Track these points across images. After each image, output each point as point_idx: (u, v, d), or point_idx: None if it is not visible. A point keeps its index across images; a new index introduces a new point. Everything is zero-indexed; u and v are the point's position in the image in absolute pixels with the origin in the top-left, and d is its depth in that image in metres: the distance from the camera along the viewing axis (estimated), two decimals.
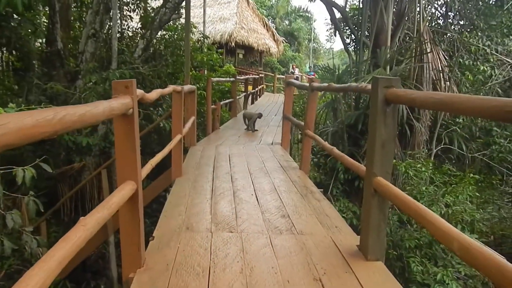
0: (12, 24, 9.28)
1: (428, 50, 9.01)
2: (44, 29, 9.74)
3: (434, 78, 9.28)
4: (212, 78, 8.40)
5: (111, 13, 8.91)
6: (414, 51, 9.11)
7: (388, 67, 8.57)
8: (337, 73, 9.15)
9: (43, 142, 8.62)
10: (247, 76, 13.72)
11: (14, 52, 10.72)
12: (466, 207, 6.10)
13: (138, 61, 9.56)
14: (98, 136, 8.05)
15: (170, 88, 3.68)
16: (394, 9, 9.20)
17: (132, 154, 2.13)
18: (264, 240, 2.53)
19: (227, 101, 10.43)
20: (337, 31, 11.33)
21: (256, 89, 16.26)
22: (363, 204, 2.40)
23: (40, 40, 10.46)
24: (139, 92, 2.32)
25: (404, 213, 5.06)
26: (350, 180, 8.85)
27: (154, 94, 2.79)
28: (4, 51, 10.35)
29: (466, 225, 6.12)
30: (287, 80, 5.85)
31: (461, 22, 10.87)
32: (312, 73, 25.16)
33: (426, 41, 9.09)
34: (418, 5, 9.31)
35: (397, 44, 9.47)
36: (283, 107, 10.16)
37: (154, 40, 10.44)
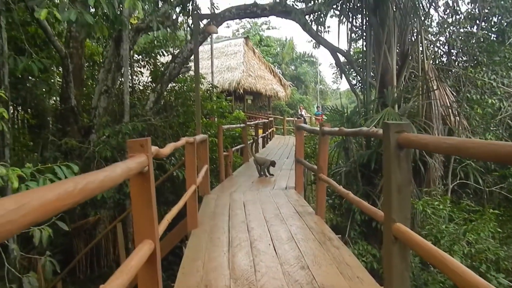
0: (28, 85, 9.68)
1: (435, 87, 9.11)
2: (58, 87, 10.14)
3: (443, 114, 9.31)
4: (222, 126, 8.52)
5: (122, 70, 9.26)
6: (420, 89, 9.21)
7: (396, 106, 8.64)
8: (346, 114, 9.24)
9: None
10: (256, 121, 13.90)
11: (29, 111, 11.12)
12: (489, 245, 5.90)
13: (150, 113, 9.81)
14: (113, 188, 8.11)
15: (183, 140, 3.75)
16: (397, 50, 9.40)
17: (149, 211, 2.14)
18: None
19: (238, 146, 10.53)
20: (342, 74, 11.56)
21: (267, 132, 16.43)
22: (383, 253, 2.35)
23: (54, 98, 10.86)
24: (154, 149, 2.37)
25: (428, 262, 4.91)
26: (367, 221, 8.68)
27: (168, 149, 2.85)
28: (20, 110, 10.72)
29: (491, 264, 5.90)
30: (297, 125, 5.92)
31: (465, 58, 11.02)
32: (320, 113, 25.27)
33: (431, 79, 9.21)
34: (421, 45, 9.52)
35: (403, 83, 9.59)
36: (294, 149, 10.21)
37: (165, 93, 10.76)
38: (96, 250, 9.09)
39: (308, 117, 25.55)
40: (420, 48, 9.55)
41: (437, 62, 11.11)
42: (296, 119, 19.49)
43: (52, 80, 11.95)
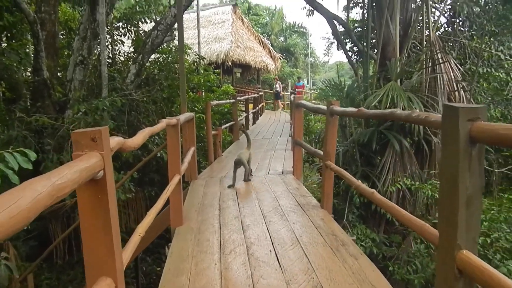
0: None
1: (440, 60, 8.42)
2: (31, 58, 9.18)
3: (448, 89, 8.67)
4: (211, 102, 7.74)
5: (99, 39, 8.34)
6: (424, 62, 8.50)
7: (398, 81, 7.95)
8: (345, 88, 8.54)
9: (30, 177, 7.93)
10: (247, 96, 13.11)
11: (1, 83, 10.16)
12: (506, 234, 5.38)
13: (131, 86, 8.96)
14: None
15: (163, 123, 3.01)
16: (400, 18, 8.63)
17: (106, 237, 1.44)
18: None
19: (228, 124, 9.78)
20: (338, 45, 10.76)
21: (257, 108, 15.66)
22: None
23: (30, 70, 9.90)
24: (116, 141, 1.65)
25: None
26: (366, 204, 8.16)
27: (140, 137, 2.12)
28: None
29: (505, 254, 5.39)
30: (296, 102, 5.21)
31: (471, 28, 10.29)
32: (301, 83, 23.99)
33: (437, 51, 8.50)
34: (426, 12, 8.74)
35: (405, 55, 8.87)
36: (288, 127, 9.39)
37: (147, 64, 9.86)
38: (74, 233, 8.46)
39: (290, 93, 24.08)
40: (425, 16, 8.78)
41: (441, 32, 10.36)
42: (293, 95, 18.72)
43: (25, 49, 10.93)
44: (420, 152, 8.18)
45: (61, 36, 11.43)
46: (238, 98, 10.93)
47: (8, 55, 8.99)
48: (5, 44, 9.49)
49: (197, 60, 11.90)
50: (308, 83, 35.91)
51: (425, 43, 8.78)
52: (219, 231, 3.37)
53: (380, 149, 8.08)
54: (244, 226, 3.47)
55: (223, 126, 8.87)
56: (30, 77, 9.87)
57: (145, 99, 8.59)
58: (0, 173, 2.92)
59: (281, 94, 22.99)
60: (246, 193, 4.70)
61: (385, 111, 2.38)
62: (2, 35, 10.83)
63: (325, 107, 3.76)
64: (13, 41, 11.00)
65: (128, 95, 8.23)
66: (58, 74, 9.41)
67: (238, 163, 5.14)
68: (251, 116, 13.80)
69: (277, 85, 22.35)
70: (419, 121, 1.89)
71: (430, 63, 8.42)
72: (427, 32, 8.84)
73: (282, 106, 22.97)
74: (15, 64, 9.29)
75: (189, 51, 11.99)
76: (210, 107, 7.15)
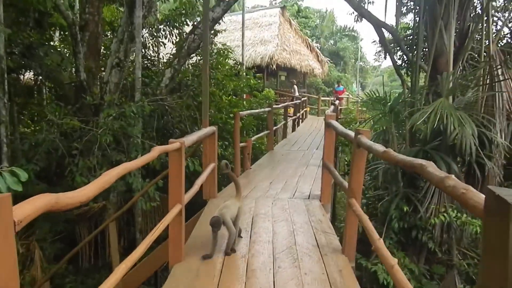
0: (41, 53, 8.86)
1: (500, 76, 7.52)
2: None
3: (508, 108, 7.74)
4: (241, 112, 7.35)
5: (135, 41, 8.21)
6: (482, 77, 7.61)
7: (450, 97, 7.16)
8: (388, 102, 7.83)
9: (60, 181, 7.92)
10: (285, 104, 12.60)
11: (47, 82, 10.37)
12: None
13: (165, 91, 8.77)
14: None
15: (155, 151, 2.60)
16: (456, 28, 7.80)
17: None
18: None
19: (261, 134, 9.34)
20: (387, 54, 10.02)
21: (298, 114, 15.09)
22: None
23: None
24: (29, 207, 1.24)
25: None
26: (406, 230, 7.46)
27: (95, 186, 1.71)
28: (40, 79, 9.99)
29: None
30: (327, 121, 4.69)
31: None
32: (342, 88, 22.41)
33: (497, 65, 7.60)
34: (486, 22, 7.84)
35: (460, 68, 8.00)
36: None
37: (183, 68, 9.65)
38: (101, 238, 8.41)
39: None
40: (485, 26, 7.87)
41: (503, 43, 9.32)
42: (333, 99, 17.86)
43: (67, 50, 11.11)
44: (472, 176, 7.35)
45: (107, 37, 11.53)
46: (274, 106, 10.44)
47: (51, 55, 9.10)
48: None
49: (237, 65, 11.57)
50: (356, 88, 34.69)
51: (484, 55, 7.88)
52: (218, 275, 2.96)
53: None
54: (248, 271, 3.03)
55: (254, 137, 8.44)
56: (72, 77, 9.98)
57: (175, 105, 8.36)
58: None
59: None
60: (263, 220, 4.25)
61: (415, 161, 1.85)
62: (54, 35, 11.06)
63: (352, 134, 3.24)
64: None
65: (159, 100, 8.03)
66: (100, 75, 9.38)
67: (216, 225, 3.33)
68: (290, 122, 13.30)
69: (293, 89, 20.36)
70: (453, 194, 1.36)
71: (488, 79, 7.54)
72: (486, 43, 7.94)
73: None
74: (59, 65, 9.41)
75: (230, 54, 11.70)
76: (239, 118, 6.73)
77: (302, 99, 16.97)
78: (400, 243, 7.61)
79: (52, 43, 10.07)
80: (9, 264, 1.06)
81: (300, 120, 15.90)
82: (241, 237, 3.75)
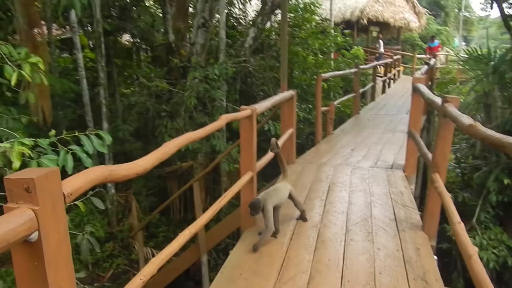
0: (134, 15, 9.25)
1: None
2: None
3: None
4: (324, 74, 7.05)
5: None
6: None
7: None
8: (492, 61, 6.91)
9: (155, 140, 8.45)
10: (374, 63, 11.81)
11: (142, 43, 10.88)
12: None
13: (249, 52, 8.70)
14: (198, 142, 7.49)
15: (222, 120, 2.59)
16: None
17: None
18: None
19: (346, 97, 8.94)
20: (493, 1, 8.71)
21: (389, 74, 14.12)
22: None
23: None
24: (81, 179, 1.29)
25: None
26: (506, 204, 6.78)
27: (153, 157, 1.72)
28: (138, 41, 10.48)
29: None
30: (414, 84, 4.28)
31: None
32: (436, 43, 19.22)
33: None
34: None
35: None
36: None
37: (267, 27, 9.44)
38: (189, 194, 8.96)
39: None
40: None
41: None
42: (427, 57, 16.26)
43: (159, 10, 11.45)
44: None
45: None
46: (362, 66, 9.85)
47: (144, 16, 9.47)
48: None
49: (322, 22, 11.02)
50: (458, 43, 31.16)
51: None
52: (288, 243, 2.95)
53: None
54: (318, 241, 2.97)
55: (338, 101, 8.10)
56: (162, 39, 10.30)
57: (257, 67, 8.28)
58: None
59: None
60: (339, 189, 4.12)
61: (505, 140, 1.57)
62: None
63: (439, 101, 2.90)
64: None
65: (242, 62, 8.02)
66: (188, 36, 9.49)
67: (253, 207, 2.89)
68: (380, 84, 12.53)
69: (378, 44, 18.11)
70: None
71: None
72: None
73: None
74: (152, 26, 9.79)
75: (316, 9, 11.12)
76: (321, 80, 6.46)
77: (395, 57, 15.76)
78: (498, 217, 6.95)
79: (145, 3, 10.35)
80: (58, 236, 1.12)
81: (392, 81, 14.88)
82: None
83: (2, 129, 3.20)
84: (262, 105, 3.51)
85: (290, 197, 3.24)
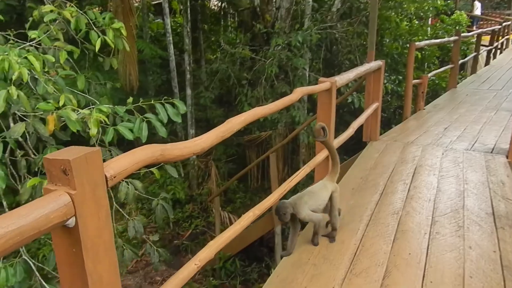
0: None
1: None
2: None
3: None
4: (418, 43, 6.36)
5: None
6: None
7: None
8: None
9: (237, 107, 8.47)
10: (478, 31, 10.46)
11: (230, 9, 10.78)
12: None
13: (335, 17, 8.19)
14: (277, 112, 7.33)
15: (296, 93, 2.36)
16: None
17: None
18: None
19: (442, 68, 8.05)
20: None
21: (496, 43, 12.50)
22: None
23: None
24: (127, 160, 1.18)
25: None
26: None
27: (212, 135, 1.59)
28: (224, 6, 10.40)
29: None
30: None
31: None
32: None
33: None
34: None
35: None
36: None
37: None
38: (267, 163, 8.97)
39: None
40: None
41: None
42: None
43: None
44: None
45: None
46: (463, 34, 8.76)
47: None
48: None
49: None
50: None
51: None
52: (363, 231, 2.71)
53: None
54: (398, 231, 2.68)
55: (431, 73, 7.32)
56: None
57: (348, 32, 7.74)
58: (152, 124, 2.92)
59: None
60: (427, 173, 3.70)
61: None
62: None
63: None
64: None
65: (328, 28, 7.56)
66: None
67: (278, 212, 2.41)
68: (484, 55, 11.15)
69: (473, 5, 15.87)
70: None
71: None
72: None
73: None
74: None
75: None
76: (414, 49, 5.83)
77: (504, 23, 13.89)
78: None
79: None
80: (98, 222, 1.04)
81: (498, 51, 13.18)
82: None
83: (87, 96, 3.30)
84: (344, 77, 3.20)
85: (330, 201, 2.59)
